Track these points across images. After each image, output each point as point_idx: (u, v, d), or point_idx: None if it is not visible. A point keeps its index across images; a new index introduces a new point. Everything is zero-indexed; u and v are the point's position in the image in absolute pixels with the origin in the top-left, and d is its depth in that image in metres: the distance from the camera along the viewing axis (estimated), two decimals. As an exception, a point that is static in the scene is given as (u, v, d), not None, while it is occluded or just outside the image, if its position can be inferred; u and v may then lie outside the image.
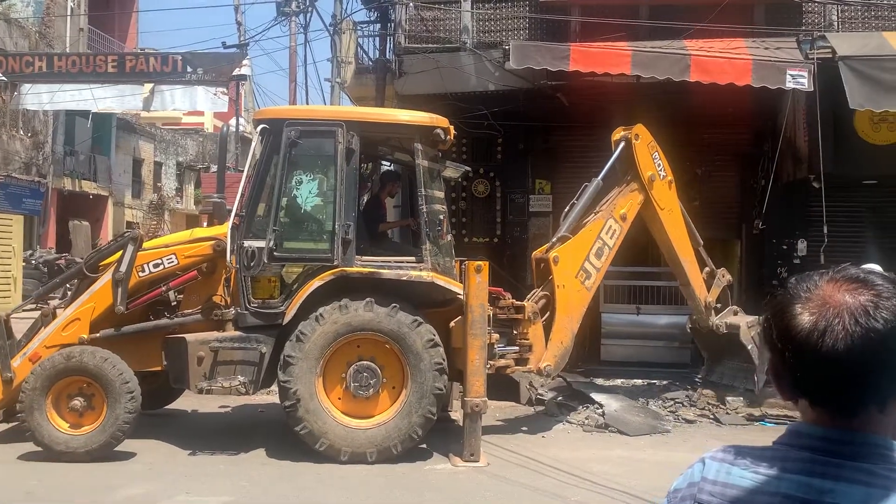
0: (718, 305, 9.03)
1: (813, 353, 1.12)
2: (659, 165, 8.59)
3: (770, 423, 8.52)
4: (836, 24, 10.58)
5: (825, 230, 9.75)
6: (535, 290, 8.14)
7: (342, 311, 6.91)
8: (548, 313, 7.94)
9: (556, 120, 11.49)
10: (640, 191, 8.48)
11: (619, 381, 10.22)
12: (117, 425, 6.72)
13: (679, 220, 8.75)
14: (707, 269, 8.99)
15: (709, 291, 8.92)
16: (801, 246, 10.46)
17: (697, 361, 11.22)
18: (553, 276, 7.90)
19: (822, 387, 1.14)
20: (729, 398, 9.26)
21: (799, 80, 9.32)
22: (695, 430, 8.36)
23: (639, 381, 10.16)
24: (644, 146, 8.52)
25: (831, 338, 1.10)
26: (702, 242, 8.97)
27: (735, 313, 9.14)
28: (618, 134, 8.62)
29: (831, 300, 1.14)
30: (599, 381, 10.18)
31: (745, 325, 8.81)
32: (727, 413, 8.96)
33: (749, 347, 8.73)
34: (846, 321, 1.11)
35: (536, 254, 8.13)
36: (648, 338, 11.03)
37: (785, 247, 10.77)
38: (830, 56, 9.47)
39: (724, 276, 9.09)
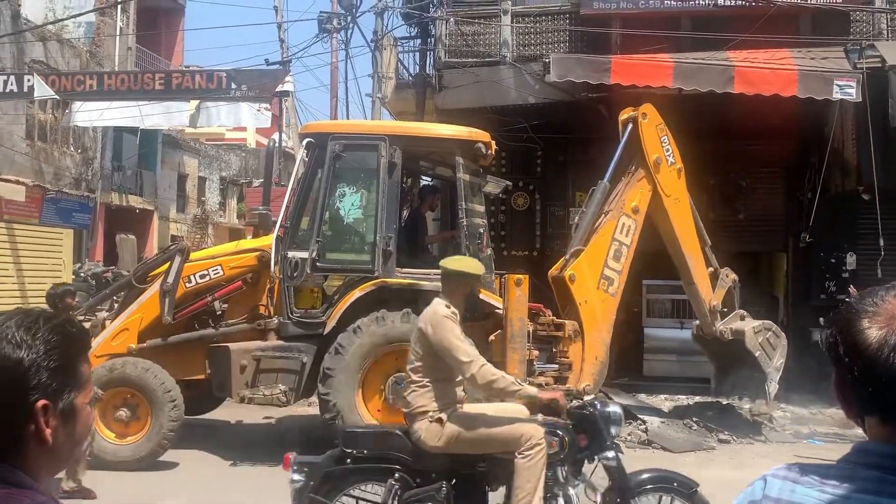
0: (725, 309, 8.48)
1: (884, 368, 1.08)
2: (667, 150, 8.13)
3: (819, 441, 8.29)
4: (885, 32, 10.35)
5: (881, 243, 9.43)
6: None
7: (379, 323, 6.94)
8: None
9: (596, 132, 11.40)
10: (647, 178, 8.03)
11: (662, 397, 10.06)
12: (162, 433, 6.84)
13: (686, 211, 8.27)
14: (710, 268, 8.44)
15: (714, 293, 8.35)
16: (851, 260, 10.18)
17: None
18: (573, 294, 7.60)
19: (895, 403, 1.10)
20: (776, 414, 9.04)
21: (846, 90, 9.14)
22: (740, 448, 8.17)
23: (682, 397, 9.98)
24: (652, 126, 8.09)
25: None
26: (709, 243, 8.46)
27: (742, 318, 8.56)
28: (625, 114, 8.21)
29: None
30: (642, 397, 10.04)
31: (752, 330, 8.25)
32: (774, 430, 8.75)
33: (757, 354, 8.17)
34: None
35: (552, 272, 7.74)
36: (692, 353, 10.79)
37: (833, 260, 10.51)
38: (880, 65, 9.28)
39: (728, 276, 8.50)
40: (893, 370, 1.08)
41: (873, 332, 1.11)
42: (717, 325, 8.42)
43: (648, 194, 8.04)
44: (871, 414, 1.14)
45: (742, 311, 8.65)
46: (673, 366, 11.01)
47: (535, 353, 7.40)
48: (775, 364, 8.29)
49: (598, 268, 7.74)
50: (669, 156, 8.16)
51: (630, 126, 8.07)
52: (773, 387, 8.28)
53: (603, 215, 7.97)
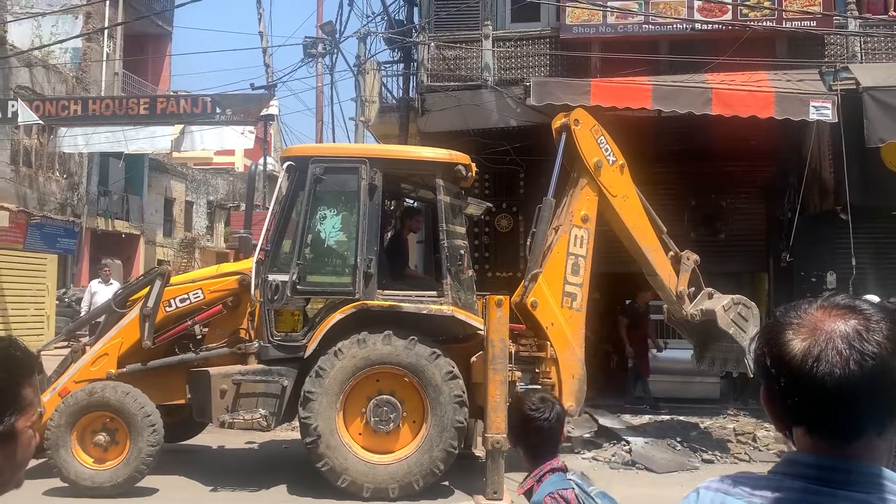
0: (692, 290, 8.37)
1: (808, 379, 1.11)
2: (607, 150, 7.98)
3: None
4: (859, 55, 10.53)
5: (853, 262, 9.55)
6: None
7: (360, 345, 6.93)
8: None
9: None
10: (591, 184, 7.92)
11: (646, 418, 10.06)
12: (141, 458, 6.77)
13: (636, 206, 8.16)
14: (671, 253, 8.35)
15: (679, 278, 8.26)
16: (831, 278, 10.28)
17: (727, 396, 11.02)
18: (538, 320, 7.54)
19: (819, 413, 1.13)
20: (759, 434, 9.04)
21: (822, 111, 9.28)
22: (724, 468, 8.16)
23: (666, 417, 9.98)
24: (586, 130, 7.96)
25: (826, 363, 1.10)
26: (665, 230, 8.38)
27: (710, 296, 8.42)
28: (558, 122, 8.09)
29: (822, 325, 1.14)
30: (626, 418, 10.04)
31: (721, 309, 8.13)
32: (758, 449, 8.76)
33: (731, 331, 8.09)
34: (839, 346, 1.11)
35: (514, 299, 7.49)
36: (675, 373, 10.84)
37: (814, 279, 10.60)
38: (854, 87, 9.44)
39: (689, 259, 8.34)
40: (817, 381, 1.10)
41: (797, 343, 1.14)
42: (686, 308, 8.30)
43: (595, 200, 7.95)
44: (798, 425, 1.17)
45: (710, 290, 8.50)
46: (656, 386, 11.03)
47: (518, 374, 7.37)
48: (750, 335, 8.16)
49: (558, 286, 7.65)
50: (609, 155, 8.02)
51: (564, 134, 7.98)
52: (751, 358, 8.14)
53: (553, 231, 7.86)
